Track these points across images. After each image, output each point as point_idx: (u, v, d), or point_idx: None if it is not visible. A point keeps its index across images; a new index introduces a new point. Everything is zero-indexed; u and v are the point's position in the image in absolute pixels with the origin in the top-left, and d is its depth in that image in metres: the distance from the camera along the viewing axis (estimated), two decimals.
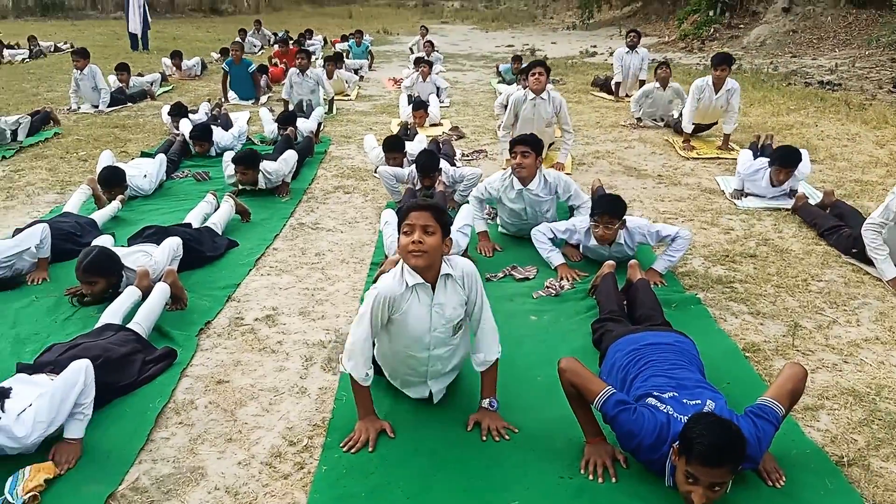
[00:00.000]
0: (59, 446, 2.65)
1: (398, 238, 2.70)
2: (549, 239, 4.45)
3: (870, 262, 4.32)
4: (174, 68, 12.70)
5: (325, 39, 18.09)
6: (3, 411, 2.53)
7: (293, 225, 5.36)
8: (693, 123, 7.55)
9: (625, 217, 4.19)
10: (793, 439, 2.75)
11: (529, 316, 3.83)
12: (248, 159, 5.75)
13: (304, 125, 7.88)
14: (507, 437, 2.76)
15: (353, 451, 2.70)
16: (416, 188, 5.47)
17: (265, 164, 5.85)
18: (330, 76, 10.54)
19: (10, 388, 2.65)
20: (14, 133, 7.57)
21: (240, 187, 5.85)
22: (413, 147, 6.39)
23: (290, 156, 6.25)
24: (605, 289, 3.86)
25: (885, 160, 6.94)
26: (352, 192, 6.21)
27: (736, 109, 7.39)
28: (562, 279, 4.20)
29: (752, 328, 3.73)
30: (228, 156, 6.06)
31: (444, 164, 5.61)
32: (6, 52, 14.93)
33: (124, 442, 2.76)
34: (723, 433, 2.19)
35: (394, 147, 6.04)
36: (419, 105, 8.65)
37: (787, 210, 5.47)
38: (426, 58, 11.87)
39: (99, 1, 30.24)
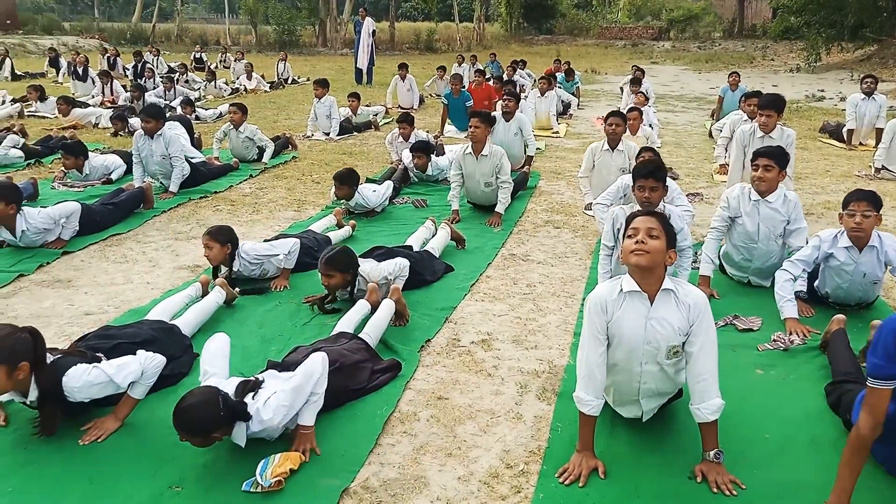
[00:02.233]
0: (298, 435, 2.92)
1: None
2: (795, 277, 4.16)
3: None
4: (400, 79, 13.63)
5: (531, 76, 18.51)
6: (254, 398, 2.85)
7: (504, 255, 5.50)
8: None
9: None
10: None
11: (755, 369, 3.62)
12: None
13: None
14: (734, 492, 2.63)
15: (566, 482, 2.71)
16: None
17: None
18: (543, 93, 11.31)
19: (264, 380, 2.97)
20: (260, 153, 8.52)
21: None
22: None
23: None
24: (839, 348, 3.55)
25: None
26: (561, 227, 6.27)
27: None
28: (791, 333, 3.93)
29: None
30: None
31: (669, 181, 5.45)
32: (254, 76, 16.85)
33: (356, 443, 2.97)
34: None
35: (616, 113, 6.44)
36: (633, 109, 8.51)
37: None
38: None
39: (329, 39, 33.18)
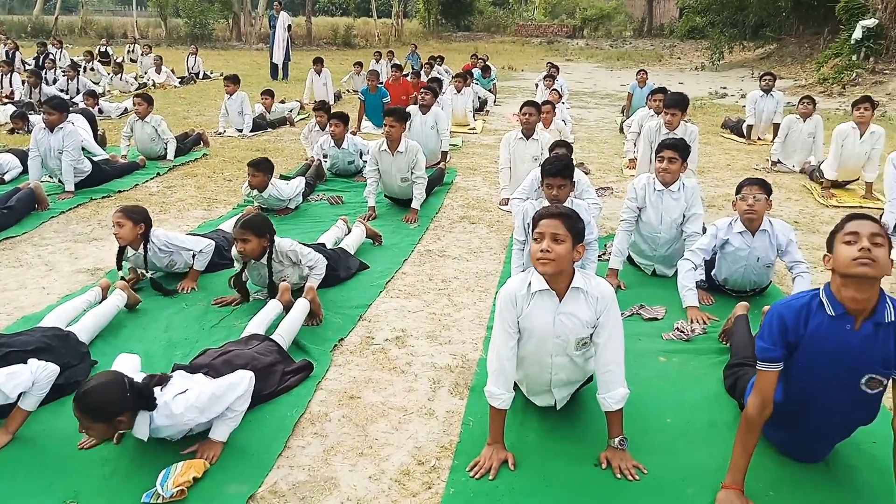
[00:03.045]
0: (204, 444, 2.83)
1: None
2: (695, 267, 4.34)
3: None
4: (315, 73, 13.29)
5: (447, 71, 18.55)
6: (161, 391, 2.74)
7: (420, 251, 5.50)
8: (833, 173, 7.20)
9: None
10: None
11: (658, 357, 3.75)
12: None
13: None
14: (636, 477, 2.70)
15: (476, 476, 2.73)
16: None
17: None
18: (459, 90, 11.23)
19: (171, 377, 2.86)
20: (165, 151, 8.20)
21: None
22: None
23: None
24: (739, 333, 3.71)
25: None
26: (477, 222, 6.31)
27: (878, 156, 7.00)
28: (692, 321, 4.09)
29: None
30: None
31: (579, 174, 5.16)
32: (163, 69, 16.31)
33: (264, 447, 2.90)
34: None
35: (530, 103, 6.58)
36: (547, 102, 8.52)
37: None
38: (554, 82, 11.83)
39: (243, 33, 32.37)
